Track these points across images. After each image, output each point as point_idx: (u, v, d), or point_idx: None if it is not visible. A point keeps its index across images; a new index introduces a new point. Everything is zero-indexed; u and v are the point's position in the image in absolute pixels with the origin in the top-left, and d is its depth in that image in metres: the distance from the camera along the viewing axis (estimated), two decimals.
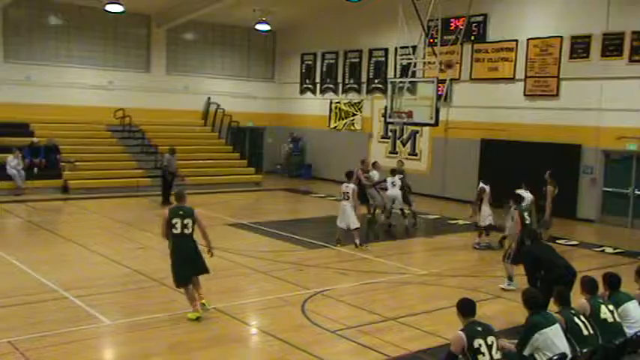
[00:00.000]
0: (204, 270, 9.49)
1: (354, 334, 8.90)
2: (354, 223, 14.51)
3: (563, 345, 6.56)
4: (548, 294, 7.86)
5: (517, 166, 20.71)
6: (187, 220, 9.33)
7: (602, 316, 7.13)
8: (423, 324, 9.43)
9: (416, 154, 24.74)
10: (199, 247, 9.52)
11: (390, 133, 25.65)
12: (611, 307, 7.28)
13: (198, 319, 9.19)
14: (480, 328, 6.25)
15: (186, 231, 9.30)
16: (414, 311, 10.13)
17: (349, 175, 15.08)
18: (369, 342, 8.60)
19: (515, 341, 6.82)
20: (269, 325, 9.39)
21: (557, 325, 6.65)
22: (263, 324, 9.56)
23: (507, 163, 20.99)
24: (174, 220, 9.29)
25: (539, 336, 6.52)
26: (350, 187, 14.68)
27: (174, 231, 9.28)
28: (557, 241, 16.20)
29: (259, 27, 27.63)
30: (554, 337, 6.54)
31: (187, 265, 9.35)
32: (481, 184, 15.61)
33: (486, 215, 15.14)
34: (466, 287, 11.40)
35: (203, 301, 9.50)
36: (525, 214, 11.65)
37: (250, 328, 9.51)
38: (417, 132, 24.56)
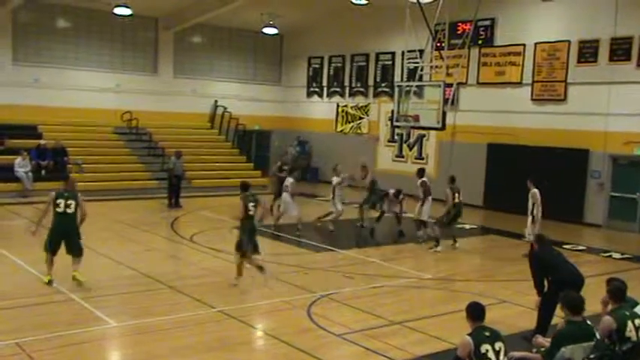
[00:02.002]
0: (78, 252, 10.95)
1: (359, 337, 8.89)
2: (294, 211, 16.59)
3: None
4: (555, 298, 7.82)
5: (524, 171, 20.69)
6: (70, 202, 10.84)
7: (627, 334, 6.79)
8: (429, 328, 9.40)
9: (422, 158, 24.72)
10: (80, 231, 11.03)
11: (396, 137, 25.66)
12: (637, 321, 6.88)
13: (49, 282, 10.74)
14: (487, 334, 6.17)
15: (68, 210, 10.83)
16: (419, 315, 10.10)
17: (292, 170, 17.49)
18: (374, 346, 8.59)
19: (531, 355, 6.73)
20: (274, 328, 9.38)
21: (590, 343, 6.42)
22: (268, 327, 9.56)
23: (514, 167, 20.97)
24: (58, 200, 10.83)
25: (566, 350, 6.33)
26: (289, 180, 16.59)
27: (58, 209, 10.81)
28: (564, 246, 16.17)
29: (267, 30, 27.69)
30: (582, 353, 6.35)
31: (59, 238, 10.88)
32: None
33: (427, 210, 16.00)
34: (471, 291, 11.36)
35: (75, 273, 10.81)
36: (250, 204, 11.14)
37: (255, 331, 9.51)
38: (424, 136, 24.56)
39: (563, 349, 6.33)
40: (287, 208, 16.68)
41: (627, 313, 6.97)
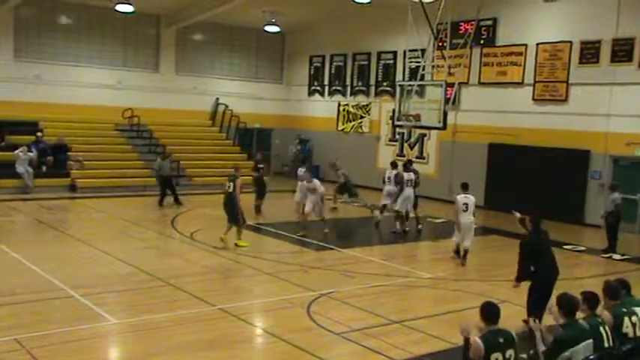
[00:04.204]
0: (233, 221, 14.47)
1: (358, 336, 8.89)
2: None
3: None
4: (541, 293, 8.30)
5: (524, 171, 20.72)
6: (230, 182, 14.47)
7: (624, 330, 6.81)
8: (428, 327, 9.40)
9: (423, 158, 24.71)
10: None
11: (397, 136, 25.65)
12: (634, 318, 6.88)
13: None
14: (501, 340, 5.91)
15: (229, 189, 14.39)
16: (419, 315, 10.10)
17: (304, 160, 20.70)
18: (373, 345, 8.59)
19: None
20: (274, 326, 9.38)
21: (591, 341, 6.34)
22: (268, 325, 9.56)
23: (515, 167, 20.97)
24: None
25: (570, 353, 6.23)
26: (302, 170, 17.90)
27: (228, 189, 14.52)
28: (565, 247, 16.17)
29: (268, 28, 27.68)
30: (584, 352, 6.28)
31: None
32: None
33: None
34: (472, 291, 11.36)
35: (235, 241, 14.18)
36: None
37: (255, 329, 9.51)
38: (425, 135, 24.54)
39: (567, 353, 6.29)
40: (301, 197, 17.11)
41: (624, 310, 6.98)
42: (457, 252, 14.07)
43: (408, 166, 17.42)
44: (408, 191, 16.83)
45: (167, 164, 20.36)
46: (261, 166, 19.87)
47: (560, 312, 6.57)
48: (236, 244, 14.13)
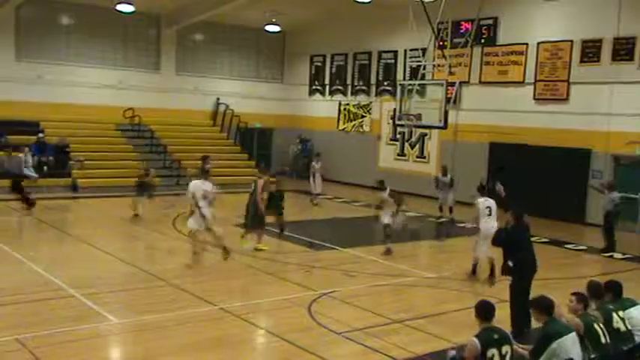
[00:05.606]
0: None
1: (360, 336, 8.89)
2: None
3: (577, 353, 6.36)
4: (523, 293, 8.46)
5: (526, 170, 20.69)
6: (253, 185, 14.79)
7: (615, 325, 6.91)
8: (430, 327, 9.40)
9: (424, 157, 24.70)
10: None
11: (398, 136, 25.65)
12: (621, 313, 7.05)
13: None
14: (496, 336, 6.01)
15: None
16: (420, 314, 10.09)
17: (318, 154, 22.31)
18: (375, 344, 8.58)
19: (528, 346, 6.64)
20: (275, 326, 9.38)
21: (574, 334, 6.40)
22: (269, 325, 9.56)
23: (516, 166, 20.93)
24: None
25: (557, 345, 6.27)
26: (313, 164, 21.24)
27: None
28: (566, 246, 16.17)
29: (269, 28, 27.68)
30: (572, 345, 6.33)
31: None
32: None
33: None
34: (473, 291, 11.36)
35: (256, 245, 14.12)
36: None
37: (256, 329, 9.50)
38: (426, 135, 24.54)
39: (553, 345, 6.31)
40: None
41: (611, 307, 7.13)
42: (474, 270, 12.52)
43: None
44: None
45: (7, 159, 18.63)
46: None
47: (538, 313, 6.64)
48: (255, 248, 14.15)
